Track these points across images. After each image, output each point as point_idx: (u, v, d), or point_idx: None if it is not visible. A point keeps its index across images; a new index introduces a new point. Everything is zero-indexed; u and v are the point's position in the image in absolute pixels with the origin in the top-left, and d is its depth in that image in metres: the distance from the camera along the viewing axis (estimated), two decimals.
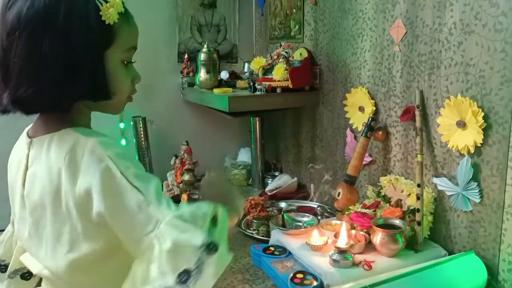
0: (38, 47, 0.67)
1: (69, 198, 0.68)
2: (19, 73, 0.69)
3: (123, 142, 2.02)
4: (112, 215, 0.66)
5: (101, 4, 0.70)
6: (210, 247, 0.63)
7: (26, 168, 0.75)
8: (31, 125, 0.80)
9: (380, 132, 1.43)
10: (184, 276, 0.61)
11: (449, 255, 1.20)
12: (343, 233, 1.18)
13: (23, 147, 0.77)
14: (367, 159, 1.50)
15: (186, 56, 2.08)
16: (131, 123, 2.01)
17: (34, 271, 0.78)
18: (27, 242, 0.77)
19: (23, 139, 0.79)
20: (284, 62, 1.70)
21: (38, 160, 0.73)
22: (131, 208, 0.65)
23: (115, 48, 0.74)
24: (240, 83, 1.89)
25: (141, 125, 2.00)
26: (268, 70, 1.77)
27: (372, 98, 1.48)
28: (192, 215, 0.67)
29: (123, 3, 0.75)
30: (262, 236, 1.47)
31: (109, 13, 0.71)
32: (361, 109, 1.51)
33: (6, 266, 0.88)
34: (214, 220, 0.68)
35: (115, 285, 0.68)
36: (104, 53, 0.72)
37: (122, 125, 2.02)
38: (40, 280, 0.84)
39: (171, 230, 0.63)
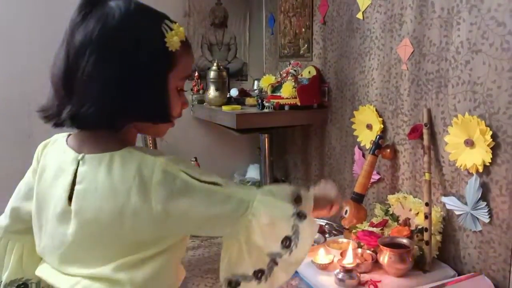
0: (106, 68, 0.69)
1: (138, 216, 0.69)
2: (84, 91, 0.70)
3: None
4: (205, 218, 0.72)
5: (167, 31, 0.73)
6: (300, 215, 0.74)
7: (73, 184, 0.73)
8: (65, 134, 0.79)
9: (388, 150, 1.42)
10: (286, 241, 0.73)
11: (458, 275, 1.17)
12: (349, 252, 1.17)
13: (67, 160, 0.75)
14: (375, 177, 1.49)
15: (196, 74, 2.11)
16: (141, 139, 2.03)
17: (63, 287, 0.75)
18: (64, 256, 0.75)
19: (63, 150, 0.77)
20: (293, 80, 1.71)
21: (92, 178, 0.72)
22: (221, 201, 0.72)
23: (174, 75, 0.75)
24: (249, 101, 1.91)
25: (150, 141, 2.02)
26: (277, 87, 1.79)
27: (380, 116, 1.48)
28: (277, 191, 0.77)
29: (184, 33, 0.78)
30: None
31: (173, 41, 0.73)
32: (369, 127, 1.51)
33: None
34: (298, 199, 0.77)
35: (165, 279, 0.75)
36: (168, 78, 0.74)
37: None
38: None
39: (264, 206, 0.73)
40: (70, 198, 0.73)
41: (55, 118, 0.73)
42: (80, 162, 0.73)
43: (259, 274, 0.75)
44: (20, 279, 0.83)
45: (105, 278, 0.72)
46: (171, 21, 0.75)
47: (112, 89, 0.69)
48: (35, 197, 0.78)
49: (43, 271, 0.78)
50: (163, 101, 0.74)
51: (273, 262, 0.74)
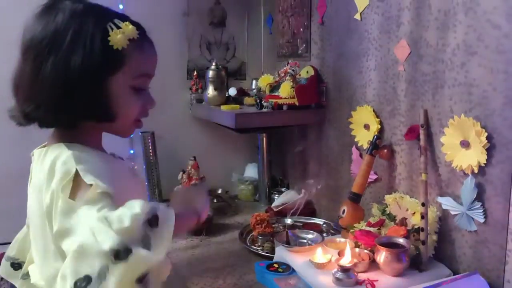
0: (41, 67, 0.71)
1: (49, 211, 0.71)
2: (25, 91, 0.74)
3: (132, 152, 2.06)
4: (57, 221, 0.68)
5: (112, 29, 0.73)
6: (121, 253, 0.59)
7: (30, 180, 0.80)
8: None
9: (385, 150, 1.44)
10: (83, 282, 0.58)
11: (453, 275, 1.19)
12: (347, 252, 1.18)
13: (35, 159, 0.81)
14: (372, 177, 1.51)
15: (195, 73, 2.12)
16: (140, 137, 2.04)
17: (32, 280, 0.81)
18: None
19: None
20: (291, 80, 1.72)
21: (35, 173, 0.78)
22: (66, 209, 0.66)
23: (122, 74, 0.76)
24: (247, 100, 1.92)
25: (149, 140, 2.03)
26: (275, 87, 1.80)
27: (377, 117, 1.49)
28: (119, 216, 0.62)
29: (143, 31, 0.78)
30: (266, 252, 1.47)
31: (117, 39, 0.73)
32: (367, 127, 1.53)
33: (19, 265, 0.91)
34: (154, 220, 0.65)
35: None
36: (109, 77, 0.75)
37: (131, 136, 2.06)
38: None
39: (85, 230, 0.61)
40: None
41: (15, 117, 0.78)
42: (32, 158, 0.80)
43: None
44: None
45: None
46: (125, 20, 0.75)
47: (52, 88, 0.72)
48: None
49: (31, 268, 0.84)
50: (99, 100, 0.74)
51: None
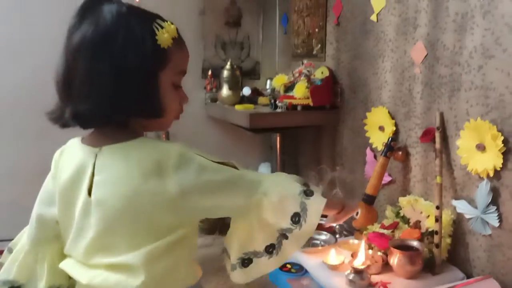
0: (97, 67, 0.73)
1: (154, 199, 0.74)
2: (79, 90, 0.75)
3: None
4: (219, 198, 0.77)
5: (157, 29, 0.76)
6: (307, 192, 0.80)
7: (93, 175, 0.77)
8: (79, 137, 0.84)
9: (400, 153, 1.44)
10: (296, 217, 0.78)
11: (467, 278, 1.19)
12: (360, 253, 1.19)
13: (85, 156, 0.79)
14: (387, 179, 1.51)
15: (210, 72, 2.13)
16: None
17: (83, 280, 0.78)
18: (89, 247, 0.78)
19: (79, 149, 0.81)
20: (306, 80, 1.73)
21: (109, 167, 0.77)
22: (233, 181, 0.78)
23: (168, 71, 0.79)
24: (261, 100, 1.93)
25: (164, 138, 2.05)
26: (289, 87, 1.81)
27: (393, 118, 1.49)
28: (285, 176, 0.85)
29: (177, 30, 0.81)
30: None
31: (164, 38, 0.77)
32: (381, 128, 1.52)
33: None
34: (306, 184, 0.83)
35: (182, 273, 0.80)
36: (158, 74, 0.78)
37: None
38: None
39: (274, 186, 0.79)
40: (90, 190, 0.78)
41: (60, 119, 0.78)
42: (98, 155, 0.78)
43: (270, 249, 0.81)
44: (54, 285, 0.85)
45: (124, 268, 0.75)
46: (164, 20, 0.79)
47: (105, 87, 0.74)
48: (58, 199, 0.82)
49: (67, 265, 0.82)
50: (154, 97, 0.78)
51: (283, 236, 0.80)
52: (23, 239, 0.88)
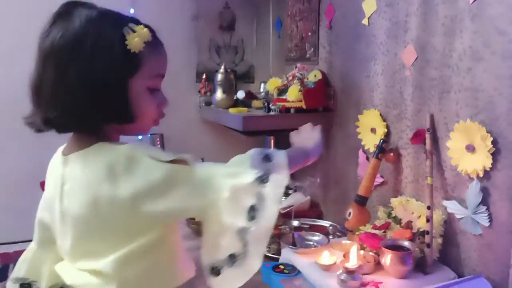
0: (65, 72, 0.73)
1: (111, 204, 0.73)
2: (48, 97, 0.75)
3: None
4: (171, 199, 0.72)
5: (128, 33, 0.75)
6: (262, 179, 0.72)
7: (62, 185, 0.79)
8: (65, 144, 0.84)
9: (391, 154, 1.45)
10: (252, 212, 0.71)
11: (458, 278, 1.20)
12: (352, 254, 1.20)
13: (58, 166, 0.81)
14: (379, 180, 1.52)
15: (204, 76, 2.15)
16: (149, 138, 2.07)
17: (68, 281, 0.80)
18: (71, 253, 0.80)
19: (58, 158, 0.83)
20: (299, 84, 1.75)
21: (73, 176, 0.78)
22: (183, 180, 0.73)
23: (141, 75, 0.78)
24: (255, 103, 1.94)
25: (158, 142, 2.06)
26: (283, 90, 1.82)
27: (384, 120, 1.50)
28: (238, 160, 0.77)
29: (154, 33, 0.80)
30: (273, 254, 1.49)
31: (134, 42, 0.75)
32: (373, 130, 1.54)
33: (29, 285, 0.89)
34: (267, 157, 0.76)
35: (159, 277, 0.76)
36: (129, 79, 0.77)
37: (140, 136, 2.09)
38: None
39: (224, 180, 0.72)
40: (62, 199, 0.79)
41: (34, 124, 0.79)
42: (65, 164, 0.80)
43: (233, 258, 0.74)
44: (57, 284, 0.87)
45: (99, 274, 0.76)
46: (138, 23, 0.77)
47: (72, 95, 0.74)
48: (47, 208, 0.85)
49: (60, 267, 0.84)
50: (122, 104, 0.76)
51: (243, 243, 0.72)
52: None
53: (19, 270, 0.90)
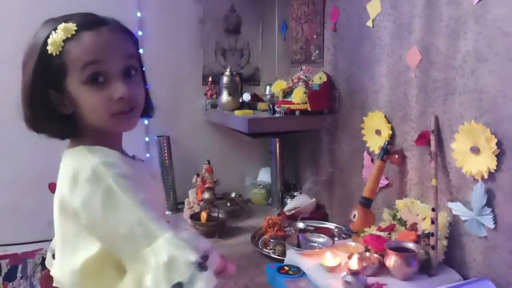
0: (22, 81, 0.80)
1: (65, 208, 0.76)
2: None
3: (147, 155, 2.10)
4: (110, 232, 0.71)
5: (52, 36, 0.75)
6: (202, 265, 0.68)
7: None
8: None
9: (396, 156, 1.45)
10: (177, 287, 0.66)
11: (463, 280, 1.19)
12: (354, 256, 1.20)
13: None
14: (384, 182, 1.52)
15: (210, 78, 2.16)
16: (155, 140, 2.09)
17: (52, 272, 0.85)
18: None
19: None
20: (304, 86, 1.75)
21: (59, 173, 0.82)
22: (131, 223, 0.69)
23: (70, 74, 0.76)
24: (261, 105, 1.95)
25: (165, 144, 2.08)
26: (288, 93, 1.83)
27: (389, 122, 1.50)
28: (188, 238, 0.71)
29: (89, 19, 0.77)
30: (278, 255, 1.49)
31: (53, 43, 0.74)
32: (378, 132, 1.54)
33: None
34: (205, 257, 0.71)
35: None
36: (64, 82, 0.77)
37: (147, 139, 2.10)
38: None
39: (168, 245, 0.68)
40: None
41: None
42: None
43: None
44: None
45: (62, 284, 0.80)
46: (66, 21, 0.76)
47: (23, 99, 0.80)
48: None
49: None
50: (61, 107, 0.80)
51: None
52: None
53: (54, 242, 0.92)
